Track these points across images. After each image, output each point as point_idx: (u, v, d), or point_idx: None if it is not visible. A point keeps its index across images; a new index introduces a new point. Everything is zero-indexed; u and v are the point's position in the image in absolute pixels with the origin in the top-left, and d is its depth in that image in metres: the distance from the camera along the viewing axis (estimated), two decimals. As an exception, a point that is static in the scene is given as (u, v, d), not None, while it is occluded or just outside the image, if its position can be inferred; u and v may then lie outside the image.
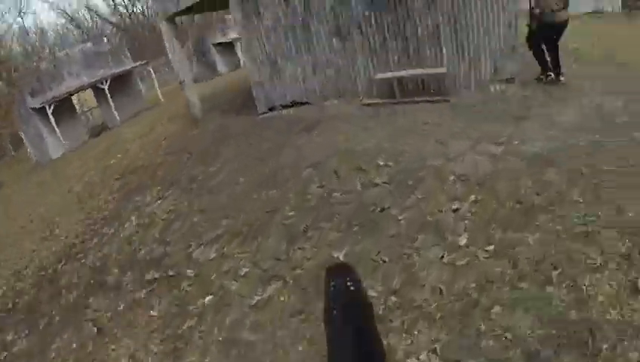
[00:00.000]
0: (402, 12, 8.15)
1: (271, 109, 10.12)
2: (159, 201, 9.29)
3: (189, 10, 11.73)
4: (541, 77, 7.99)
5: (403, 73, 8.09)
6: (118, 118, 19.32)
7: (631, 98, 6.65)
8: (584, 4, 16.09)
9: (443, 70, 7.89)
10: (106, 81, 19.07)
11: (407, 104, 8.09)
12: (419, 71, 8.08)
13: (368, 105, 8.47)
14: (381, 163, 6.14)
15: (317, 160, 6.97)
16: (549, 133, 5.79)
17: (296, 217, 6.07)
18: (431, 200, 5.05)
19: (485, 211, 4.48)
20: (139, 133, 15.54)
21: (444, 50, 8.08)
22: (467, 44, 7.98)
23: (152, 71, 21.37)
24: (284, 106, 9.93)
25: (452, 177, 5.27)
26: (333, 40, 8.89)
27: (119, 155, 14.07)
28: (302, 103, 9.72)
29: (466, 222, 4.53)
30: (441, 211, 4.85)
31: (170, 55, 12.09)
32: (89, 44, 19.98)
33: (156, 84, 20.49)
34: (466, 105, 7.67)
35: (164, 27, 11.85)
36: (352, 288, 0.93)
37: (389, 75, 8.25)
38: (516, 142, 5.68)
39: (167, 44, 11.75)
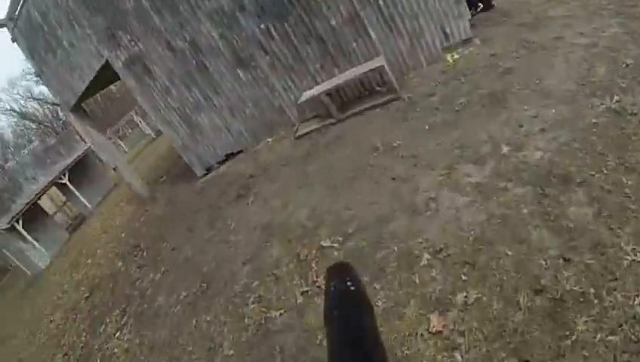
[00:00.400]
0: (305, 9, 6.20)
1: (208, 169, 8.35)
2: (117, 334, 7.99)
3: (88, 94, 10.06)
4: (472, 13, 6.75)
5: (329, 85, 6.16)
6: (89, 205, 17.93)
7: (617, 22, 4.95)
8: None
9: (380, 61, 5.92)
10: (65, 175, 17.64)
11: (350, 118, 6.19)
12: (348, 74, 6.14)
13: (304, 135, 6.61)
14: (325, 244, 4.37)
15: (253, 249, 5.32)
16: (548, 115, 3.98)
17: (235, 357, 4.47)
18: (398, 317, 3.22)
19: (486, 327, 2.67)
20: (104, 224, 14.33)
21: (373, 35, 6.12)
22: (399, 17, 6.05)
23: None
24: (220, 162, 8.15)
25: (425, 256, 3.47)
26: (238, 72, 7.01)
27: (89, 261, 12.99)
28: (236, 153, 7.94)
29: (459, 355, 2.68)
30: (416, 335, 3.02)
31: (90, 144, 10.43)
32: (36, 143, 18.61)
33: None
34: (423, 96, 5.80)
35: (71, 118, 10.21)
36: (352, 288, 0.80)
37: (313, 92, 6.34)
38: (507, 148, 3.88)
39: (82, 134, 10.07)
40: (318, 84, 6.63)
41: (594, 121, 3.59)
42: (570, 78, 4.41)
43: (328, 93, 6.14)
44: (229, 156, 8.07)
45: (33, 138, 34.61)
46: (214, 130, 7.82)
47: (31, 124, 38.09)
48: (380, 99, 6.00)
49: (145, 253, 9.02)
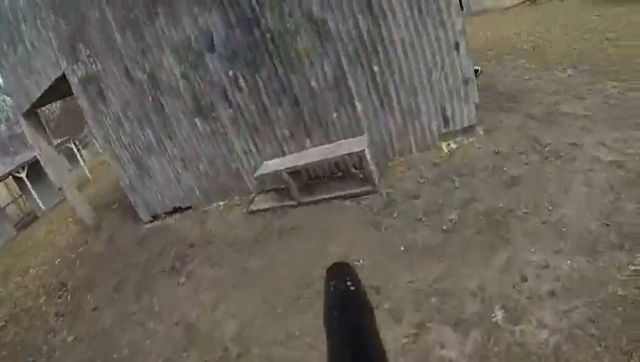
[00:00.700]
0: (283, 62, 5.15)
1: (155, 217, 7.19)
2: (3, 407, 6.75)
3: (43, 102, 8.92)
4: None
5: (293, 161, 5.08)
6: (42, 207, 16.56)
7: None
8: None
9: (361, 144, 4.87)
10: (24, 168, 16.29)
11: (315, 204, 5.12)
12: (320, 152, 5.07)
13: (258, 211, 5.51)
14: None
15: (168, 354, 4.30)
16: (561, 268, 3.02)
17: None
18: None
19: None
20: (47, 237, 13.33)
21: (359, 107, 5.08)
22: (395, 89, 5.05)
23: (74, 147, 18.28)
24: (168, 213, 7.00)
25: None
26: (196, 121, 5.92)
27: (18, 278, 11.88)
28: (184, 209, 6.81)
29: None
30: None
31: (37, 155, 9.24)
32: (2, 128, 17.22)
33: (82, 162, 17.45)
34: (405, 195, 4.78)
35: (23, 123, 9.02)
36: (352, 288, 0.78)
37: (274, 165, 5.27)
38: (501, 314, 2.88)
39: (32, 144, 8.88)
40: (284, 153, 5.56)
41: (620, 292, 2.62)
42: (591, 210, 3.43)
43: (292, 172, 5.05)
44: (177, 209, 6.92)
45: (11, 116, 32.99)
46: (164, 179, 6.69)
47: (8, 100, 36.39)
48: (352, 188, 4.94)
49: (69, 298, 8.04)
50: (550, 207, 3.67)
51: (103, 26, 6.18)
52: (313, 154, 5.03)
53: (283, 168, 4.99)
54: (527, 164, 4.54)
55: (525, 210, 3.76)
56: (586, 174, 3.97)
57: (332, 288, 0.80)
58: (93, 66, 6.57)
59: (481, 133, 5.44)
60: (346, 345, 0.70)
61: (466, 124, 5.27)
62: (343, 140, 5.18)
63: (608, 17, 9.18)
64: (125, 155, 6.87)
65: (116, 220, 9.56)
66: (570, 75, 6.61)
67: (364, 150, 4.64)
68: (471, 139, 5.35)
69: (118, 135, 6.79)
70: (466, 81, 5.06)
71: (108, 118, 6.77)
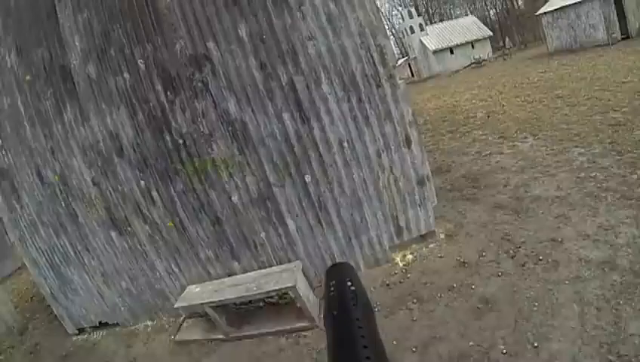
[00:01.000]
0: (198, 173, 4.35)
1: (81, 330, 6.25)
2: None
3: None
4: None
5: (216, 294, 4.22)
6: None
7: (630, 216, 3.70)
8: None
9: (289, 278, 4.03)
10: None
11: (246, 339, 4.26)
12: (245, 285, 4.22)
13: (185, 342, 4.63)
14: None
15: None
16: None
17: None
18: None
19: None
20: None
21: (292, 226, 4.27)
22: (334, 203, 4.28)
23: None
24: (95, 327, 6.08)
25: None
26: (112, 234, 5.06)
27: None
28: (112, 324, 5.91)
29: None
30: None
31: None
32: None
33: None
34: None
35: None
36: (352, 288, 0.76)
37: (195, 294, 4.40)
38: None
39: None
40: (210, 276, 4.74)
41: None
42: (587, 341, 2.69)
43: (215, 302, 4.20)
44: (103, 323, 6.00)
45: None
46: (86, 292, 5.80)
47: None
48: (288, 322, 4.12)
49: None
50: (536, 343, 2.96)
51: (13, 115, 5.40)
52: (237, 286, 4.19)
53: (206, 302, 4.13)
54: (500, 275, 3.81)
55: (503, 350, 3.00)
56: (574, 285, 3.28)
57: (332, 288, 0.77)
58: (6, 159, 5.75)
59: (442, 237, 4.70)
60: (346, 346, 0.66)
61: (423, 231, 4.49)
62: (274, 267, 4.37)
63: (553, 72, 8.71)
64: (43, 262, 5.97)
65: (44, 324, 8.42)
66: (532, 145, 5.97)
67: (294, 286, 3.81)
68: (431, 246, 4.61)
69: (34, 239, 5.91)
70: (420, 182, 4.33)
71: (22, 220, 5.90)
